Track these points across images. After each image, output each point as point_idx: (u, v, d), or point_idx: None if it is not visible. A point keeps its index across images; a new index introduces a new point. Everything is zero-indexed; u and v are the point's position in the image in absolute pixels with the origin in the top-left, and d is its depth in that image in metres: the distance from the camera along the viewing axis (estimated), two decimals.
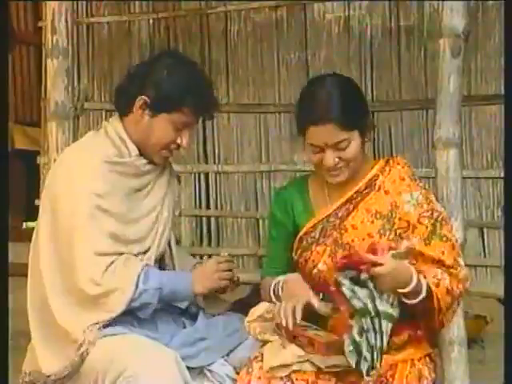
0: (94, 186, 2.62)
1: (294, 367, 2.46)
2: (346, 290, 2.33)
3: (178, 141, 2.71)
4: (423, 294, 2.43)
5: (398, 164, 2.66)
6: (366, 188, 2.63)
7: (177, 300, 2.76)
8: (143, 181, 2.76)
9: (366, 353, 2.32)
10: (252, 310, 2.65)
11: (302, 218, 2.69)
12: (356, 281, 2.33)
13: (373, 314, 2.32)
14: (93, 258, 2.58)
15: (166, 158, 2.79)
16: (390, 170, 2.64)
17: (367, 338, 2.32)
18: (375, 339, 2.32)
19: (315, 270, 2.64)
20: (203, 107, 2.71)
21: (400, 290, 2.39)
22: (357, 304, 2.32)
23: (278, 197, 2.78)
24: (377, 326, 2.33)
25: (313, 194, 2.72)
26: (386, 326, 2.35)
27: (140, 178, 2.75)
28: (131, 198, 2.72)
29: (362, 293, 2.32)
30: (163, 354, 2.57)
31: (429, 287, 2.45)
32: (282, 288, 2.61)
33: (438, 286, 2.48)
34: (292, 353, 2.48)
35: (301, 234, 2.68)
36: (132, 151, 2.71)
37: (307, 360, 2.47)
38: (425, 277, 2.46)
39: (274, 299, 2.62)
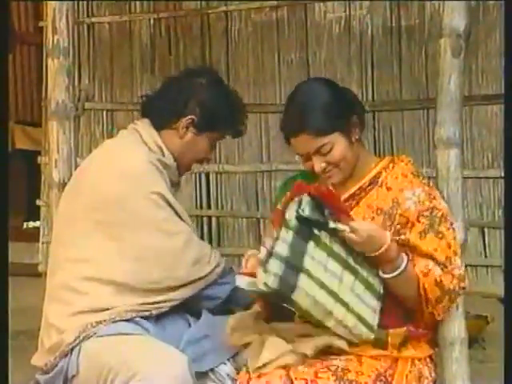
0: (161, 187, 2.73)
1: (279, 362, 2.46)
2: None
3: (209, 156, 2.90)
4: (401, 268, 2.47)
5: (402, 161, 2.69)
6: (369, 185, 2.65)
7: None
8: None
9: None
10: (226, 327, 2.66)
11: None
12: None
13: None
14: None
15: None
16: (393, 167, 2.67)
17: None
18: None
19: None
20: (239, 131, 2.94)
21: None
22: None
23: (287, 185, 2.76)
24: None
25: None
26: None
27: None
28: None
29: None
30: (176, 358, 2.58)
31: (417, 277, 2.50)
32: None
33: (426, 275, 2.50)
34: (275, 348, 2.48)
35: None
36: (168, 160, 2.80)
37: (290, 351, 2.47)
38: (414, 265, 2.50)
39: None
